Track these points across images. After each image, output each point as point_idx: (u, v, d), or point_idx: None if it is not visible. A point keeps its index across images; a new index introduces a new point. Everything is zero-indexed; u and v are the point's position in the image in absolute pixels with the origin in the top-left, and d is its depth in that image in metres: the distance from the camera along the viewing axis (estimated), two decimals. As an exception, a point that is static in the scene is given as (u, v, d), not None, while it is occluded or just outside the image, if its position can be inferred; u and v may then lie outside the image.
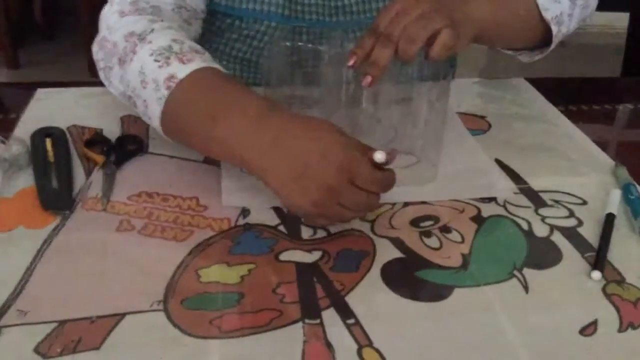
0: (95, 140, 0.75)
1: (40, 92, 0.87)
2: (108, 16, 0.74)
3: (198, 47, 0.69)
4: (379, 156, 0.58)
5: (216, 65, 0.66)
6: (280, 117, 0.61)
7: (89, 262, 0.58)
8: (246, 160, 0.61)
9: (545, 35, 0.82)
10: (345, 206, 0.59)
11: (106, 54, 0.72)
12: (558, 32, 0.80)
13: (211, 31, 0.89)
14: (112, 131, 0.78)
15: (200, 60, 0.65)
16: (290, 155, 0.59)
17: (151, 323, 0.52)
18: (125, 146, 0.75)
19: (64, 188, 0.67)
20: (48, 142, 0.73)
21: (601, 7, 0.91)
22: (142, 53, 0.67)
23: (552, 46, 0.83)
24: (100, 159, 0.72)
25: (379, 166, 0.59)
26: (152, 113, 0.66)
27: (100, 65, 0.74)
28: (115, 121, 0.80)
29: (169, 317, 0.53)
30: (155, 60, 0.65)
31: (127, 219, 0.64)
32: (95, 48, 0.75)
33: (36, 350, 0.49)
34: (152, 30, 0.69)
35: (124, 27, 0.70)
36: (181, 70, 0.64)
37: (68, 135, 0.76)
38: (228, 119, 0.61)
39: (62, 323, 0.51)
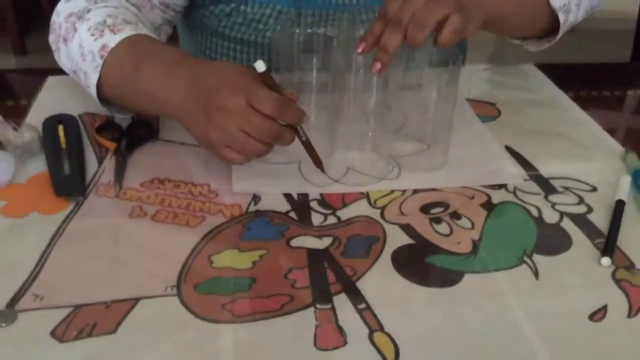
0: (106, 126, 0.76)
1: (52, 80, 0.88)
2: (59, 3, 0.79)
3: (132, 19, 0.75)
4: (259, 65, 0.61)
5: (145, 32, 0.72)
6: (192, 61, 0.67)
7: (103, 247, 0.59)
8: (164, 102, 0.65)
9: (552, 24, 0.81)
10: (247, 133, 0.61)
11: (55, 36, 0.78)
12: (565, 20, 0.80)
13: (215, 15, 0.89)
14: (124, 118, 0.78)
15: (130, 29, 0.71)
16: (194, 86, 0.63)
17: (165, 307, 0.53)
18: (136, 132, 0.75)
19: (76, 174, 0.68)
20: (60, 129, 0.73)
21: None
22: (81, 30, 0.73)
23: (559, 35, 0.83)
24: (111, 145, 0.72)
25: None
26: (90, 82, 0.71)
27: (53, 47, 0.79)
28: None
29: (182, 302, 0.53)
30: (92, 35, 0.71)
31: (140, 205, 0.64)
32: (50, 32, 0.79)
33: (52, 334, 0.50)
34: (89, 10, 0.75)
35: (66, 10, 0.76)
36: (112, 40, 0.70)
37: (80, 122, 0.77)
38: (148, 69, 0.67)
39: (77, 307, 0.52)
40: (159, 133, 0.76)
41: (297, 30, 0.79)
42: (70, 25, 0.74)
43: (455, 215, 0.65)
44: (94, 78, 0.70)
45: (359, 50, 0.66)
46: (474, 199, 0.68)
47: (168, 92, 0.65)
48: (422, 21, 0.64)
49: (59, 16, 0.77)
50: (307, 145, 0.66)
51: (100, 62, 0.69)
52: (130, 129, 0.76)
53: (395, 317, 0.53)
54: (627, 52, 2.14)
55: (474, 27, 0.70)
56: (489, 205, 0.67)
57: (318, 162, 0.67)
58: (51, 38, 0.79)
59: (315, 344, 0.50)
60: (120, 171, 0.69)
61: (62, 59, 0.77)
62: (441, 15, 0.64)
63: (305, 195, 0.67)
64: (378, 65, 0.65)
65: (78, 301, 0.53)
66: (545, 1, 0.79)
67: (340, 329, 0.51)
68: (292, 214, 0.64)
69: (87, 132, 0.76)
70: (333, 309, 0.53)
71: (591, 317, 0.54)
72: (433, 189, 0.69)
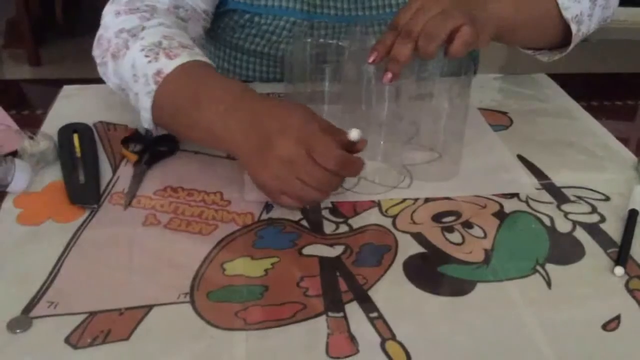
0: (132, 138, 0.76)
1: (66, 89, 0.89)
2: (105, 15, 0.78)
3: (188, 42, 0.72)
4: (354, 134, 0.60)
5: (202, 59, 0.69)
6: (253, 97, 0.65)
7: (117, 255, 0.59)
8: (224, 140, 0.64)
9: (564, 35, 0.81)
10: (305, 182, 0.60)
11: (101, 50, 0.76)
12: (578, 31, 0.80)
13: (230, 27, 0.90)
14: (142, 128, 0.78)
15: (187, 55, 0.68)
16: (255, 129, 0.61)
17: (178, 315, 0.53)
18: (160, 146, 0.74)
19: (91, 183, 0.68)
20: (75, 138, 0.74)
21: (624, 2, 0.90)
22: (134, 49, 0.70)
23: (572, 46, 0.83)
24: (133, 157, 0.72)
25: (348, 149, 0.61)
26: (143, 106, 0.69)
27: (97, 61, 0.77)
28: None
29: (195, 309, 0.54)
30: (146, 56, 0.69)
31: (153, 214, 0.65)
32: (94, 45, 0.78)
33: (67, 340, 0.50)
34: (144, 27, 0.72)
35: (117, 25, 0.74)
36: (168, 66, 0.67)
37: (94, 131, 0.78)
38: (208, 104, 0.65)
39: (91, 314, 0.53)
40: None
41: (309, 40, 0.79)
42: (121, 41, 0.72)
43: (467, 225, 0.65)
44: (146, 102, 0.68)
45: (370, 60, 0.67)
46: (486, 208, 0.68)
47: (228, 132, 0.63)
48: (433, 32, 0.64)
49: (108, 30, 0.75)
50: None
51: (154, 87, 0.67)
52: (156, 143, 0.74)
53: (407, 326, 0.53)
54: (640, 62, 2.13)
55: (486, 38, 0.70)
56: (501, 215, 0.67)
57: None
58: (97, 52, 0.77)
59: (327, 352, 0.50)
60: (134, 185, 0.68)
61: (109, 74, 0.75)
62: (452, 26, 0.65)
63: (317, 203, 0.67)
64: (389, 75, 0.65)
65: (92, 308, 0.53)
66: (557, 12, 0.79)
67: (352, 338, 0.52)
68: (304, 222, 0.64)
69: (101, 140, 0.77)
70: (345, 317, 0.53)
71: (604, 327, 0.54)
72: (445, 198, 0.69)
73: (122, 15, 0.75)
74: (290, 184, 0.60)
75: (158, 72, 0.67)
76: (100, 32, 0.77)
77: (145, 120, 0.70)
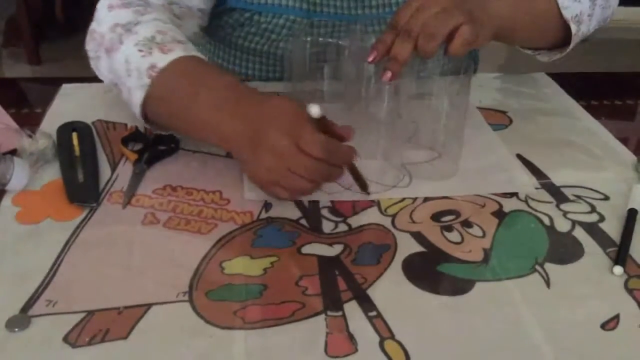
0: (133, 137, 0.75)
1: (65, 88, 0.89)
2: (99, 9, 0.78)
3: (182, 37, 0.73)
4: (314, 110, 0.60)
5: (196, 54, 0.70)
6: (247, 92, 0.66)
7: (116, 254, 0.59)
8: (217, 134, 0.65)
9: (564, 35, 0.81)
10: (295, 172, 0.61)
11: (95, 44, 0.76)
12: (577, 31, 0.80)
13: (229, 25, 0.90)
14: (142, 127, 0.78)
15: (181, 50, 0.69)
16: (247, 123, 0.63)
17: (177, 313, 0.53)
18: (160, 145, 0.74)
19: (89, 181, 0.68)
20: (74, 137, 0.74)
21: (623, 2, 0.90)
22: (128, 43, 0.71)
23: (571, 46, 0.83)
24: (133, 156, 0.72)
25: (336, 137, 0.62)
26: (135, 100, 0.70)
27: (90, 55, 0.78)
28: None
29: (194, 308, 0.54)
30: (139, 50, 0.69)
31: (152, 212, 0.65)
32: (87, 39, 0.78)
33: (65, 339, 0.50)
34: (138, 22, 0.73)
35: (111, 19, 0.74)
36: (162, 60, 0.68)
37: (93, 130, 0.78)
38: (204, 97, 0.65)
39: (90, 313, 0.53)
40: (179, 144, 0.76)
41: (309, 39, 0.79)
42: (115, 36, 0.72)
43: (467, 224, 0.65)
44: (138, 96, 0.69)
45: (370, 59, 0.67)
46: (485, 207, 0.68)
47: (222, 125, 0.64)
48: (433, 31, 0.64)
49: (101, 25, 0.75)
50: (354, 171, 0.67)
51: (147, 81, 0.68)
52: (156, 142, 0.74)
53: (406, 325, 0.53)
54: (639, 62, 2.13)
55: (485, 37, 0.70)
56: (500, 214, 0.67)
57: (364, 187, 0.68)
58: (90, 45, 0.77)
59: (326, 351, 0.50)
60: (133, 184, 0.68)
61: (102, 68, 0.76)
62: (452, 25, 0.65)
63: (316, 202, 0.67)
64: (389, 74, 0.65)
65: (91, 307, 0.53)
66: (557, 12, 0.79)
67: (351, 337, 0.52)
68: (303, 221, 0.64)
69: (100, 139, 0.77)
70: (344, 316, 0.53)
71: (603, 326, 0.54)
72: (444, 197, 0.69)
73: (115, 10, 0.75)
74: (282, 175, 0.61)
75: (152, 67, 0.68)
76: (93, 26, 0.77)
77: (136, 114, 0.71)
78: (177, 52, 0.68)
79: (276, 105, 0.63)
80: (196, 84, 0.67)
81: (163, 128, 0.73)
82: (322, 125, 0.62)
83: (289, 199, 0.65)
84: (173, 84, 0.68)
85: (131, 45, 0.70)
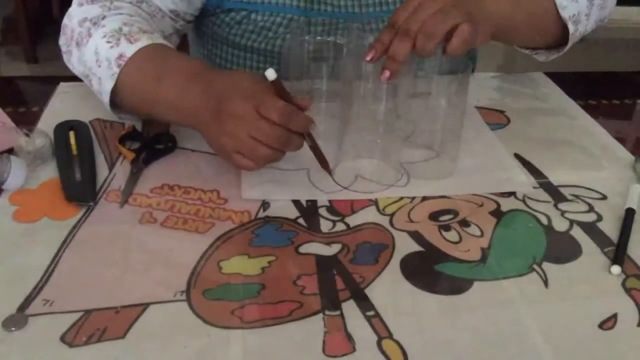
0: (130, 136, 0.75)
1: (63, 86, 0.88)
2: (72, 6, 0.80)
3: (147, 27, 0.76)
4: (269, 73, 0.62)
5: (162, 41, 0.73)
6: (210, 70, 0.69)
7: (113, 253, 0.59)
8: (182, 111, 0.67)
9: (562, 34, 0.81)
10: (256, 138, 0.62)
11: (66, 38, 0.79)
12: (575, 31, 0.80)
13: (226, 23, 0.89)
14: (137, 125, 0.78)
15: (147, 39, 0.72)
16: (209, 94, 0.65)
17: (174, 313, 0.53)
18: (157, 145, 0.74)
19: (87, 180, 0.68)
20: (71, 135, 0.74)
21: (621, 1, 0.90)
22: (96, 36, 0.74)
23: (569, 45, 0.83)
24: (130, 155, 0.72)
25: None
26: (104, 89, 0.73)
27: (63, 49, 0.80)
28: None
29: (191, 308, 0.53)
30: (108, 42, 0.72)
31: (150, 212, 0.64)
32: (60, 34, 0.81)
33: (62, 339, 0.50)
34: (105, 16, 0.76)
35: (80, 14, 0.78)
36: (129, 49, 0.71)
37: (91, 129, 0.77)
38: (169, 79, 0.68)
39: (87, 313, 0.52)
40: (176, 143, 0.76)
41: (307, 38, 0.79)
42: (84, 30, 0.76)
43: (464, 223, 0.65)
44: (108, 85, 0.72)
45: (368, 58, 0.66)
46: (483, 207, 0.68)
47: (186, 101, 0.67)
48: (431, 31, 0.64)
49: (72, 20, 0.78)
50: (315, 149, 0.67)
51: (116, 70, 0.71)
52: (153, 141, 0.74)
53: (404, 325, 0.53)
54: (637, 61, 2.13)
55: (483, 37, 0.70)
56: (498, 213, 0.67)
57: (325, 166, 0.68)
58: (62, 40, 0.80)
59: (323, 351, 0.50)
60: (131, 183, 0.68)
61: (73, 62, 0.78)
62: (450, 25, 0.64)
63: (314, 201, 0.67)
64: (387, 74, 0.65)
65: (88, 306, 0.53)
66: (554, 12, 0.79)
67: (349, 336, 0.51)
68: (301, 221, 0.64)
69: (97, 138, 0.76)
70: (342, 315, 0.53)
71: (601, 325, 0.54)
72: (442, 197, 0.69)
73: (84, 5, 0.78)
74: (243, 140, 0.63)
75: (120, 56, 0.71)
76: (64, 21, 0.80)
77: (105, 102, 0.73)
78: (144, 41, 0.71)
79: (237, 76, 0.66)
80: (161, 67, 0.70)
81: (132, 115, 0.76)
82: (281, 95, 0.63)
83: (252, 168, 0.65)
84: (140, 71, 0.71)
85: (99, 37, 0.73)
